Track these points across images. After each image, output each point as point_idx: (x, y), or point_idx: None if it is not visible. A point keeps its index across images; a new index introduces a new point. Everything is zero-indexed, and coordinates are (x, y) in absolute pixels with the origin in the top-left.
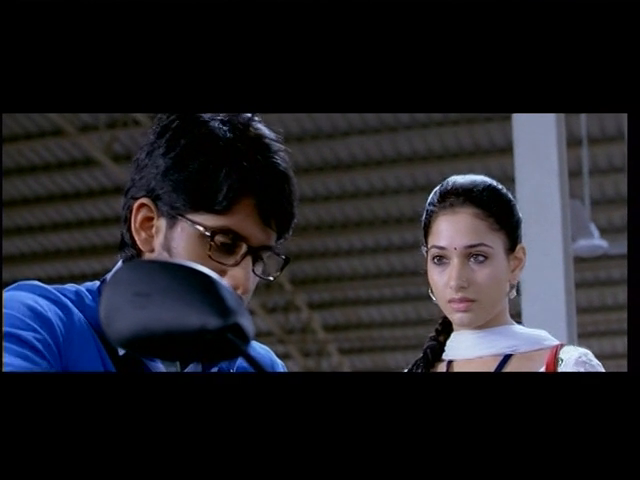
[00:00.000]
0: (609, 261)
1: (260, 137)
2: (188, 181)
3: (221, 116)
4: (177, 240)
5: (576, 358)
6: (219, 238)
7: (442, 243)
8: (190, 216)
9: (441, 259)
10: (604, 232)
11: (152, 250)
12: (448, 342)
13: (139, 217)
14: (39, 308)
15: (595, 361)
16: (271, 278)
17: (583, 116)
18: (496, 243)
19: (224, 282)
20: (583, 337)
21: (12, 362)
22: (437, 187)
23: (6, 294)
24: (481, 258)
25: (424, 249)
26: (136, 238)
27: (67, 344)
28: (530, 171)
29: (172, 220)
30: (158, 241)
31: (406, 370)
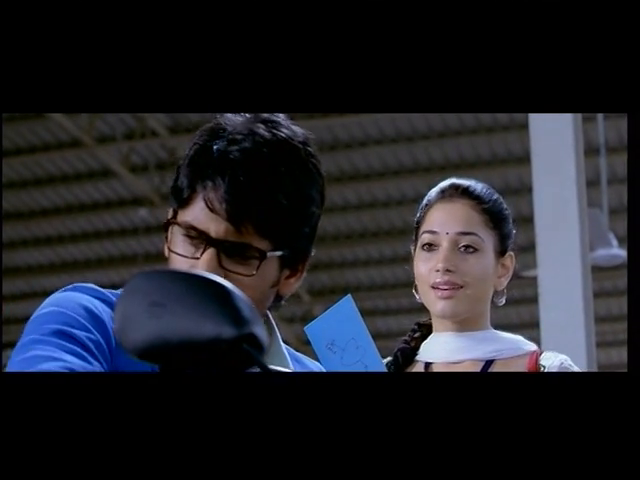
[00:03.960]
0: None
1: (241, 135)
2: (173, 182)
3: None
4: (170, 243)
5: (558, 365)
6: (183, 232)
7: (435, 228)
8: (175, 217)
9: (431, 246)
10: (623, 241)
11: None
12: (425, 344)
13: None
14: (94, 309)
15: (576, 367)
16: (253, 273)
17: (601, 124)
18: (488, 239)
19: (239, 291)
20: (602, 346)
21: (67, 359)
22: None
23: (62, 294)
24: (471, 249)
25: (412, 247)
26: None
27: (119, 347)
28: (548, 180)
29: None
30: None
31: None
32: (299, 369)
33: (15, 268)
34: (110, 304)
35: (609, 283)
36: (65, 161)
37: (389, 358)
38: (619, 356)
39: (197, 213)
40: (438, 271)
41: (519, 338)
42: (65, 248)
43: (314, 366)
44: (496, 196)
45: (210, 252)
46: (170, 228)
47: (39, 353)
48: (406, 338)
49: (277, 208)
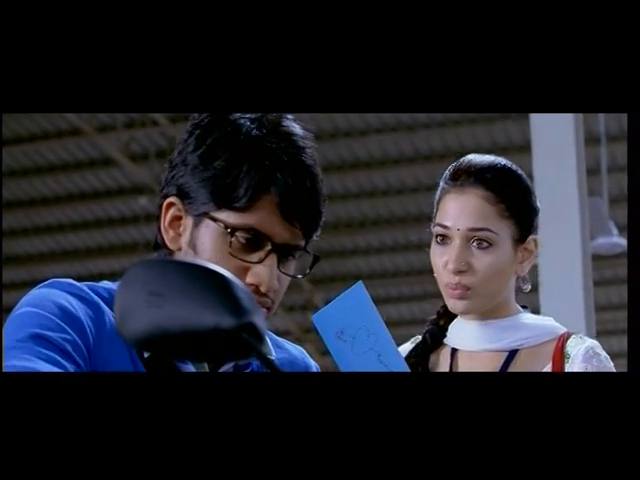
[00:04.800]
0: None
1: (287, 134)
2: (212, 178)
3: (251, 114)
4: (202, 238)
5: (583, 354)
6: (241, 235)
7: (446, 222)
8: (214, 213)
9: (444, 239)
10: (623, 230)
11: (180, 249)
12: (452, 327)
13: (168, 216)
14: (70, 308)
15: (603, 354)
16: (300, 276)
17: (601, 114)
18: (503, 231)
19: (238, 281)
20: (602, 334)
21: (41, 368)
22: (453, 163)
23: (38, 291)
24: (485, 244)
25: (433, 226)
26: (164, 237)
27: (97, 345)
28: (548, 169)
29: (198, 218)
30: (184, 239)
31: (407, 353)
32: (281, 355)
33: (16, 257)
34: (87, 300)
35: (609, 271)
36: (65, 150)
37: (417, 338)
38: (620, 345)
39: (263, 217)
40: (449, 271)
41: (546, 323)
42: (66, 237)
43: (296, 350)
44: (513, 177)
45: (272, 257)
46: (202, 223)
47: (15, 363)
48: (433, 317)
49: (323, 211)
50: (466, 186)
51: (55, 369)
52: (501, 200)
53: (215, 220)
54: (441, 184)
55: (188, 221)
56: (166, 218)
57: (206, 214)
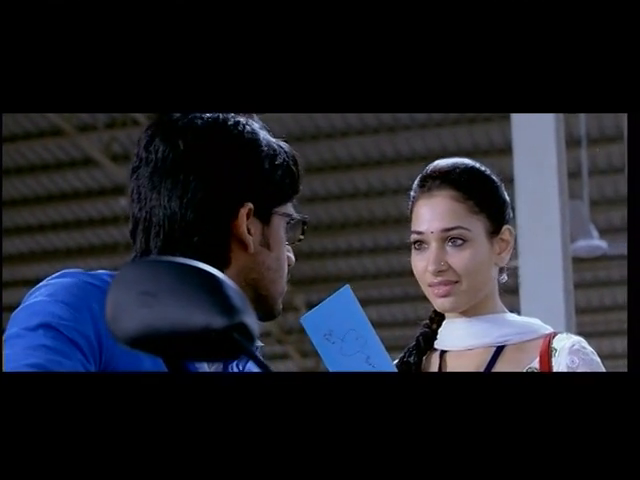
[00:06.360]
0: (608, 261)
1: (272, 144)
2: (278, 179)
3: (233, 119)
4: (274, 234)
5: (569, 347)
6: (298, 222)
7: (420, 228)
8: (279, 209)
9: (421, 244)
10: (603, 232)
11: (251, 252)
12: (440, 330)
13: (246, 221)
14: (82, 297)
15: (589, 349)
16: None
17: (582, 116)
18: (475, 226)
19: (230, 281)
20: (582, 337)
21: (43, 358)
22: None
23: (52, 281)
24: (459, 242)
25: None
26: (247, 242)
27: (108, 333)
28: (529, 171)
29: (267, 217)
30: (256, 240)
31: (398, 358)
32: None
33: None
34: (98, 287)
35: (589, 274)
36: (46, 150)
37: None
38: (598, 347)
39: (291, 209)
40: (430, 272)
41: (532, 322)
42: (46, 237)
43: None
44: (478, 173)
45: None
46: (271, 221)
47: (17, 351)
48: (426, 322)
49: None
50: (434, 190)
51: (57, 358)
52: (469, 197)
53: (284, 214)
54: (411, 194)
55: (255, 223)
56: (244, 223)
57: (275, 212)
